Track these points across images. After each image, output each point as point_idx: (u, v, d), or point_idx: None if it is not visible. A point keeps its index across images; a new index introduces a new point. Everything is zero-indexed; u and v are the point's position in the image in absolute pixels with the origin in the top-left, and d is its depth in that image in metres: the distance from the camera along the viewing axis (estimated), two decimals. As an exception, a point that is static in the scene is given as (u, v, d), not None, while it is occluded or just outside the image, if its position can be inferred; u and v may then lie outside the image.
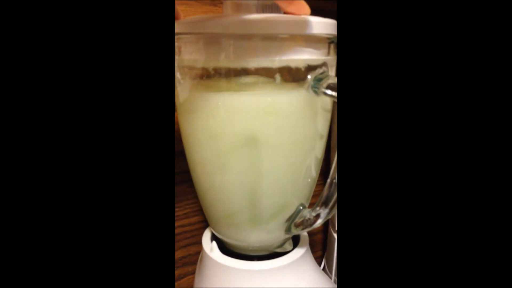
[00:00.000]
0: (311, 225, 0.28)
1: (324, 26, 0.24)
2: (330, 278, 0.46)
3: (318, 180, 0.31)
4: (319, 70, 0.24)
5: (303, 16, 0.23)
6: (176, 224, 0.44)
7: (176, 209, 0.43)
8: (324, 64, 0.25)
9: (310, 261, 0.32)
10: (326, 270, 0.52)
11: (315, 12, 0.24)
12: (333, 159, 0.33)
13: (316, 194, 0.28)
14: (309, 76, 0.24)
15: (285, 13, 0.23)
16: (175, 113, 0.29)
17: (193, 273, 0.46)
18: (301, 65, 0.24)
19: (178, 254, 0.45)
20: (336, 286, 0.33)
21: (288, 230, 0.29)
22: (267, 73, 0.24)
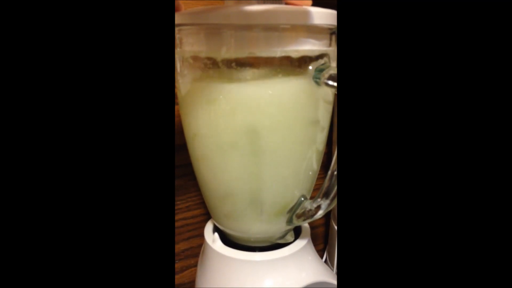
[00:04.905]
0: (312, 216, 0.28)
1: (325, 16, 0.24)
2: (332, 270, 0.47)
3: (319, 174, 0.31)
4: (321, 61, 0.24)
5: (304, 6, 0.23)
6: (178, 217, 0.44)
7: (178, 202, 0.44)
8: (325, 54, 0.25)
9: (312, 252, 0.32)
10: (328, 263, 0.52)
11: (317, 4, 0.24)
12: (335, 153, 0.33)
13: (317, 188, 0.28)
14: (310, 67, 0.24)
15: (286, 3, 0.23)
16: (177, 106, 0.29)
17: (195, 265, 0.46)
18: (303, 56, 0.24)
19: (180, 246, 0.45)
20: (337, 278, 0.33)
21: (289, 221, 0.30)
22: (268, 64, 0.24)
